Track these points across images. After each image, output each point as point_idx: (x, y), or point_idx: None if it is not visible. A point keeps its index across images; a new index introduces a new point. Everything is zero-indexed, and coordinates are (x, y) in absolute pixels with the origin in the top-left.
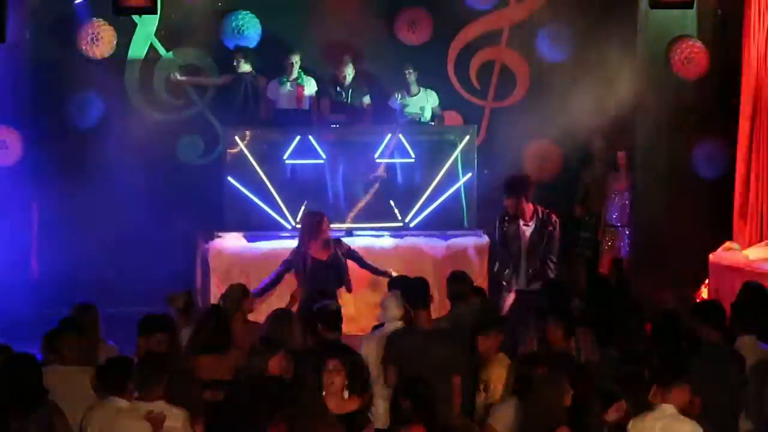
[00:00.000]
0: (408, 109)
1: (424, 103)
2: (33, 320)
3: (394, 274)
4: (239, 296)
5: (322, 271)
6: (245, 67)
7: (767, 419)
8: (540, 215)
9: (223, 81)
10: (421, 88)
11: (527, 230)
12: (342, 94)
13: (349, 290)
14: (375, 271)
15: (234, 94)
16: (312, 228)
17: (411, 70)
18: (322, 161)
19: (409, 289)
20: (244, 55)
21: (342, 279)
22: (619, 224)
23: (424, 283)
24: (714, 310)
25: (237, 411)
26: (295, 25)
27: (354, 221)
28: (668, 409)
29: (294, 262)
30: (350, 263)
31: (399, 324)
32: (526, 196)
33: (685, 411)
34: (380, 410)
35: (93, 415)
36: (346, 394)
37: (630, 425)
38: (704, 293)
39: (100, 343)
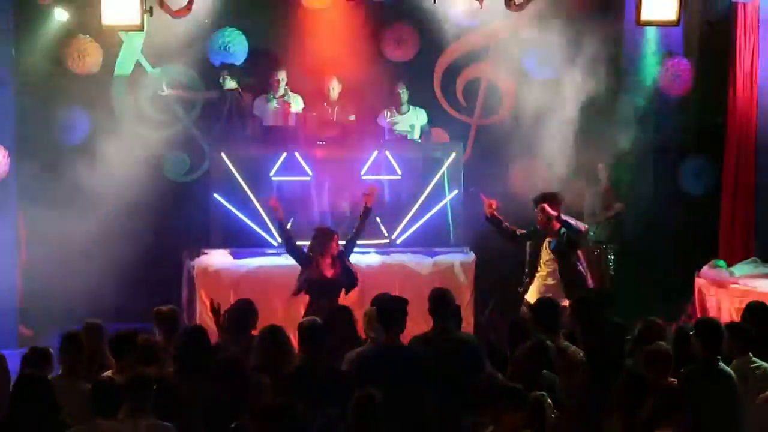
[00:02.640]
0: (397, 127)
1: (413, 121)
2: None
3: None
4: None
5: (327, 287)
6: (230, 84)
7: None
8: None
9: (209, 95)
10: (411, 107)
11: None
12: (328, 111)
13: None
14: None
15: (219, 110)
16: (321, 245)
17: (403, 89)
18: (308, 178)
19: (386, 311)
20: (229, 71)
21: (352, 286)
22: (599, 243)
23: (403, 306)
24: (709, 330)
25: None
26: (282, 43)
27: (340, 238)
28: None
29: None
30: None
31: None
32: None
33: None
34: None
35: None
36: None
37: None
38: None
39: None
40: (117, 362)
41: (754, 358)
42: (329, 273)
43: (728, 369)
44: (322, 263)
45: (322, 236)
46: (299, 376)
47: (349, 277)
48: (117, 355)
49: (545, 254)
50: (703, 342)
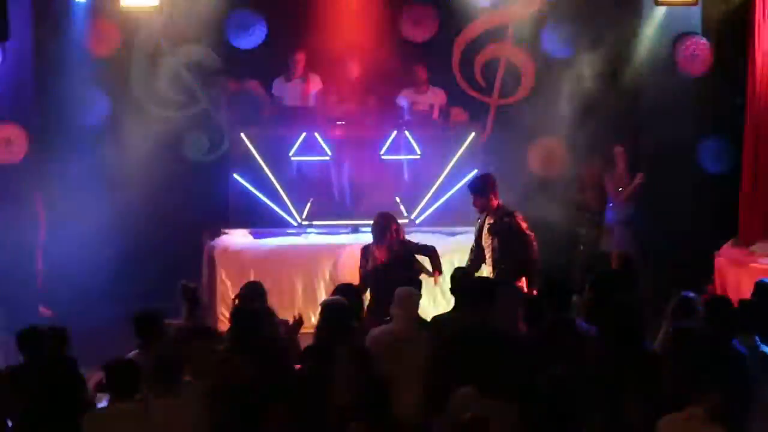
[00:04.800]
0: (417, 107)
1: (432, 100)
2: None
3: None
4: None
5: (384, 273)
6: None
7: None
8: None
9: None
10: (430, 86)
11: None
12: (347, 91)
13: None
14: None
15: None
16: (378, 232)
17: (422, 68)
18: (327, 158)
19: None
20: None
21: (411, 278)
22: (620, 220)
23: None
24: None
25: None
26: (301, 23)
27: (360, 218)
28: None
29: (362, 264)
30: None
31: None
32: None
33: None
34: None
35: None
36: None
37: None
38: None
39: None
40: (141, 342)
41: (758, 342)
42: (383, 258)
43: (741, 348)
44: (377, 251)
45: (379, 222)
46: (314, 355)
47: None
48: (140, 335)
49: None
50: (713, 320)
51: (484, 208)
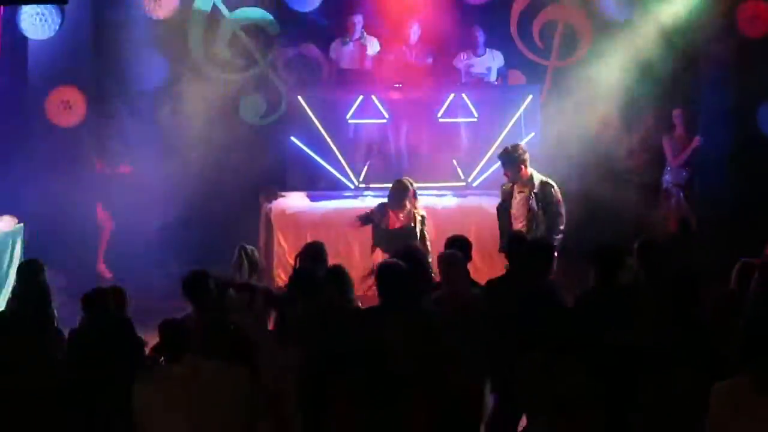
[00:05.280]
0: (474, 69)
1: (490, 63)
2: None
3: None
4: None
5: (395, 237)
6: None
7: None
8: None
9: None
10: (487, 49)
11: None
12: (405, 54)
13: None
14: None
15: (294, 64)
16: (396, 198)
17: (480, 31)
18: (384, 121)
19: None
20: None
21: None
22: (677, 183)
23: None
24: None
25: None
26: None
27: (417, 180)
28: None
29: (375, 219)
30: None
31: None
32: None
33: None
34: None
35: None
36: None
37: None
38: None
39: None
40: (192, 303)
41: None
42: (396, 224)
43: None
44: (391, 216)
45: (395, 188)
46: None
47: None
48: (191, 296)
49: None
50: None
51: (514, 179)
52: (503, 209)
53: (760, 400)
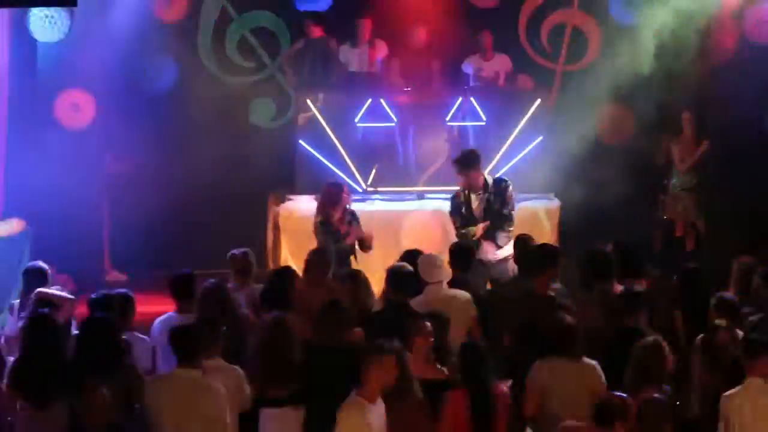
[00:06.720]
0: (482, 73)
1: (498, 67)
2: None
3: None
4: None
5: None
6: (316, 32)
7: None
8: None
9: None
10: (495, 53)
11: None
12: (413, 57)
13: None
14: None
15: (305, 58)
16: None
17: (488, 35)
18: (393, 124)
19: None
20: (314, 21)
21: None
22: (685, 187)
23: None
24: None
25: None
26: None
27: (425, 184)
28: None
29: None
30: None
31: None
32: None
33: None
34: None
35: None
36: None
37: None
38: None
39: None
40: (178, 303)
41: None
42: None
43: None
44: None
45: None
46: (383, 318)
47: None
48: (177, 297)
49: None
50: None
51: (469, 185)
52: (460, 219)
53: None
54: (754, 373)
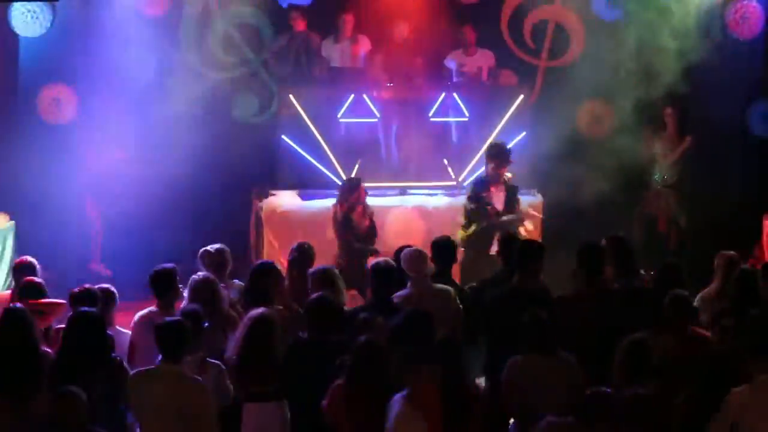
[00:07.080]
0: (465, 69)
1: (481, 62)
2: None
3: None
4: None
5: None
6: (300, 24)
7: None
8: None
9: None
10: (478, 48)
11: None
12: (396, 52)
13: None
14: None
15: (287, 52)
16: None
17: (471, 30)
18: (376, 120)
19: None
20: (299, 14)
21: None
22: (668, 183)
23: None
24: None
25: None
26: None
27: (408, 180)
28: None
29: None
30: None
31: None
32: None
33: None
34: None
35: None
36: None
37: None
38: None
39: None
40: (158, 299)
41: None
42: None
43: None
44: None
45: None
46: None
47: None
48: (158, 293)
49: None
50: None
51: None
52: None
53: None
54: (760, 371)
